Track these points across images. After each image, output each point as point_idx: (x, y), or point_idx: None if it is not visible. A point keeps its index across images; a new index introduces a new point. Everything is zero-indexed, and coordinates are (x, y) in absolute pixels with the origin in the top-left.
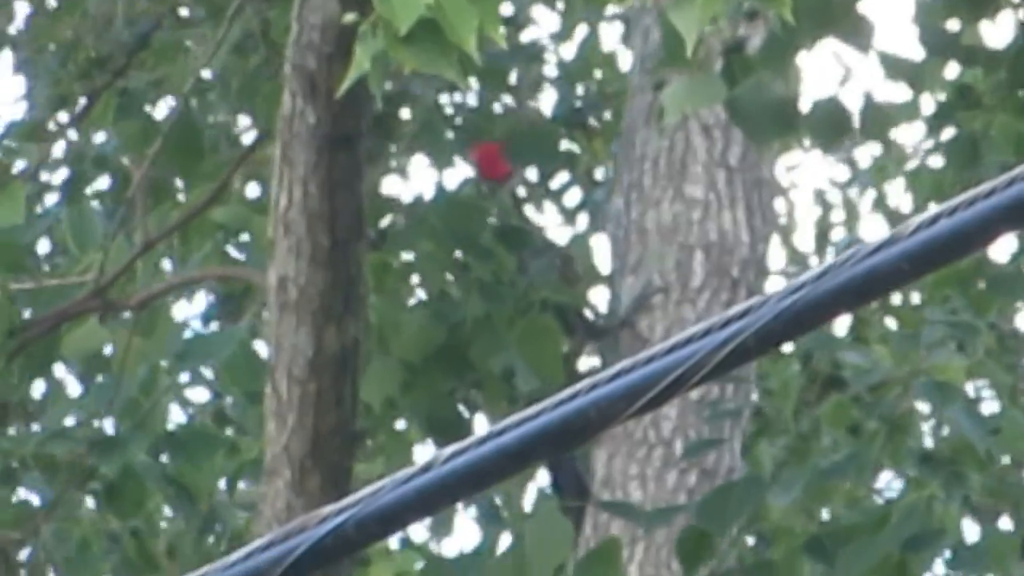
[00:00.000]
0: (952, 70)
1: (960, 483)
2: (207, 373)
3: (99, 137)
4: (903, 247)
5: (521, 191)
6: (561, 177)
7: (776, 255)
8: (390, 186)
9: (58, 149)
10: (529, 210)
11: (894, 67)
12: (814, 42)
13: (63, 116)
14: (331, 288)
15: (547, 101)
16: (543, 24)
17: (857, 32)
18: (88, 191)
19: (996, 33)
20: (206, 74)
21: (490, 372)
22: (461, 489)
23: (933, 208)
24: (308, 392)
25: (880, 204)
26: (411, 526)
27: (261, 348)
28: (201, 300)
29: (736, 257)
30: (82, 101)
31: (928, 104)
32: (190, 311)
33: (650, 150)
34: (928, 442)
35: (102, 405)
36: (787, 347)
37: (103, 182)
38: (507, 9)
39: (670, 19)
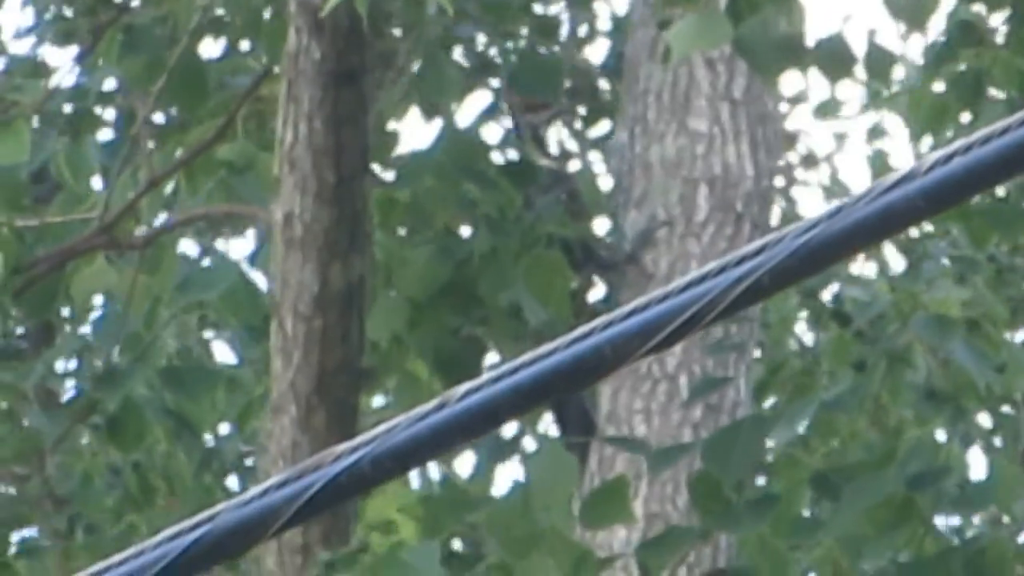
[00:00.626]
0: (950, 3)
1: (962, 419)
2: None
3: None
4: (919, 184)
5: (569, 142)
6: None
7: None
8: (407, 123)
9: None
10: (574, 164)
11: (895, 4)
12: None
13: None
14: (336, 224)
15: (599, 51)
16: None
17: None
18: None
19: None
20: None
21: (498, 307)
22: (475, 427)
23: (950, 146)
24: (314, 329)
25: (876, 133)
26: (426, 463)
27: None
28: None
29: (740, 191)
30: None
31: (930, 37)
32: (241, 249)
33: (653, 84)
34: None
35: (107, 341)
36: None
37: (108, 115)
38: None
39: None
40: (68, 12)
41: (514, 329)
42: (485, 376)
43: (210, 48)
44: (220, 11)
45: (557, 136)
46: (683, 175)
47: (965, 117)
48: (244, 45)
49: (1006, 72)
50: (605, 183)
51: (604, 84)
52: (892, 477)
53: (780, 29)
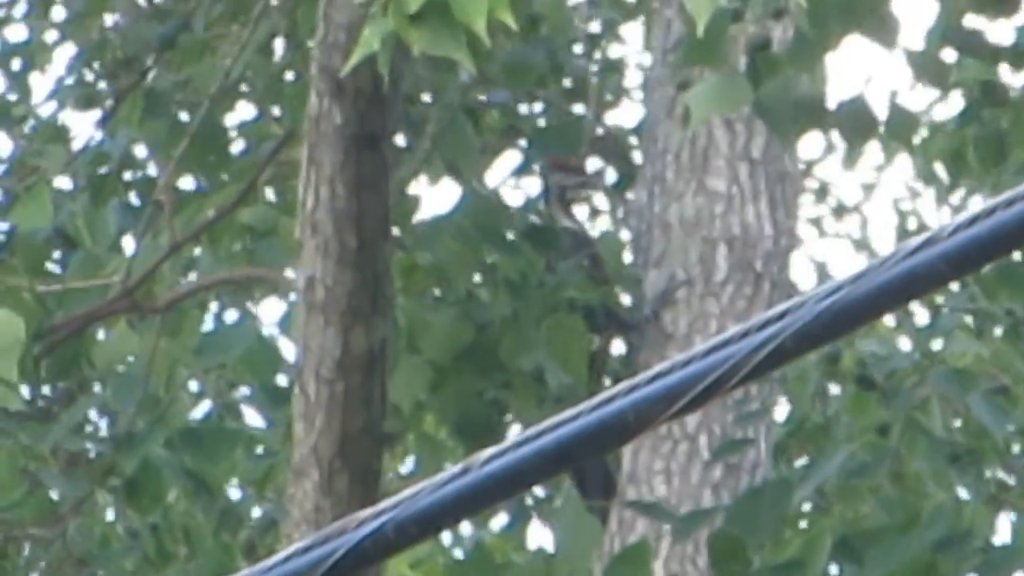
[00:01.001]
0: (972, 66)
1: (981, 476)
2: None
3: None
4: (942, 248)
5: (603, 203)
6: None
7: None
8: (428, 188)
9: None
10: (605, 222)
11: (920, 66)
12: (840, 39)
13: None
14: (359, 288)
15: (629, 113)
16: (629, 39)
17: (883, 29)
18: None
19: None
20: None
21: (520, 372)
22: (499, 491)
23: (972, 210)
24: (336, 393)
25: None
26: (448, 528)
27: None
28: (273, 305)
29: (759, 250)
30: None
31: (954, 102)
32: (270, 312)
33: (672, 143)
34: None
35: (126, 404)
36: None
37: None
38: (595, 27)
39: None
40: (89, 76)
41: (536, 393)
42: (508, 441)
43: (238, 111)
44: (241, 75)
45: (586, 197)
46: (702, 235)
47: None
48: (267, 110)
49: None
50: (627, 250)
51: (634, 145)
52: (916, 541)
53: (800, 90)
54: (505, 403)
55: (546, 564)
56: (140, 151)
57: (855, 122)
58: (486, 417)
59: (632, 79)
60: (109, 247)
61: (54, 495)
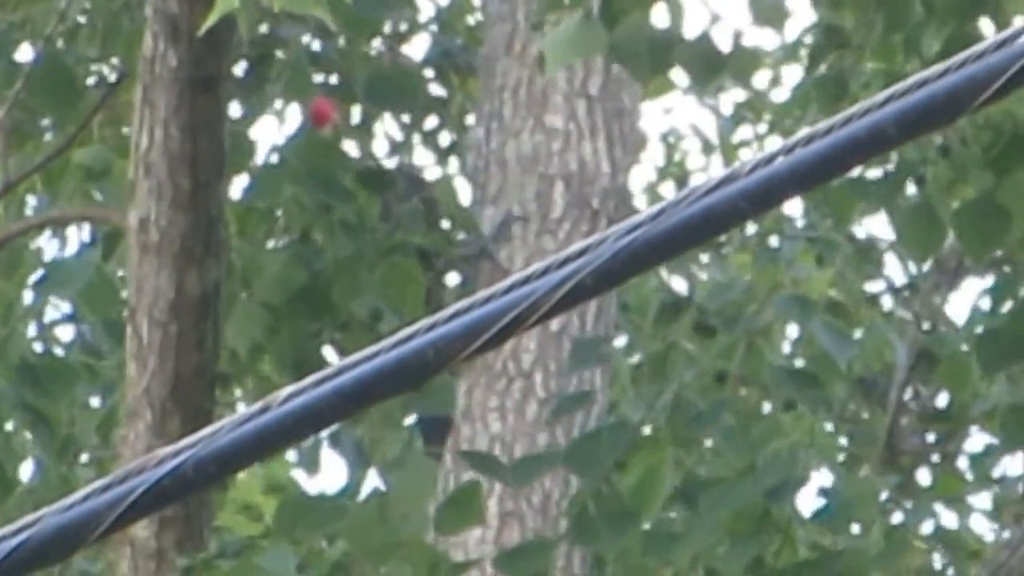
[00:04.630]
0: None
1: (822, 395)
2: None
3: None
4: (740, 185)
5: (396, 134)
6: (432, 120)
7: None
8: (264, 129)
9: None
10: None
11: (760, 10)
12: None
13: None
14: (192, 230)
15: (419, 46)
16: None
17: None
18: None
19: None
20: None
21: (354, 315)
22: (299, 429)
23: (770, 147)
24: (169, 335)
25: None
26: (249, 466)
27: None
28: (74, 240)
29: (596, 187)
30: None
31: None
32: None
33: (510, 80)
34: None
35: None
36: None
37: None
38: None
39: None
40: None
41: (371, 336)
42: (308, 379)
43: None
44: (79, 17)
45: (384, 130)
46: (539, 171)
47: None
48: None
49: (874, 76)
50: (436, 174)
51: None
52: (750, 488)
53: (654, 31)
54: (344, 345)
55: (380, 506)
56: None
57: (701, 60)
58: (320, 359)
59: (425, 13)
60: None
61: None
